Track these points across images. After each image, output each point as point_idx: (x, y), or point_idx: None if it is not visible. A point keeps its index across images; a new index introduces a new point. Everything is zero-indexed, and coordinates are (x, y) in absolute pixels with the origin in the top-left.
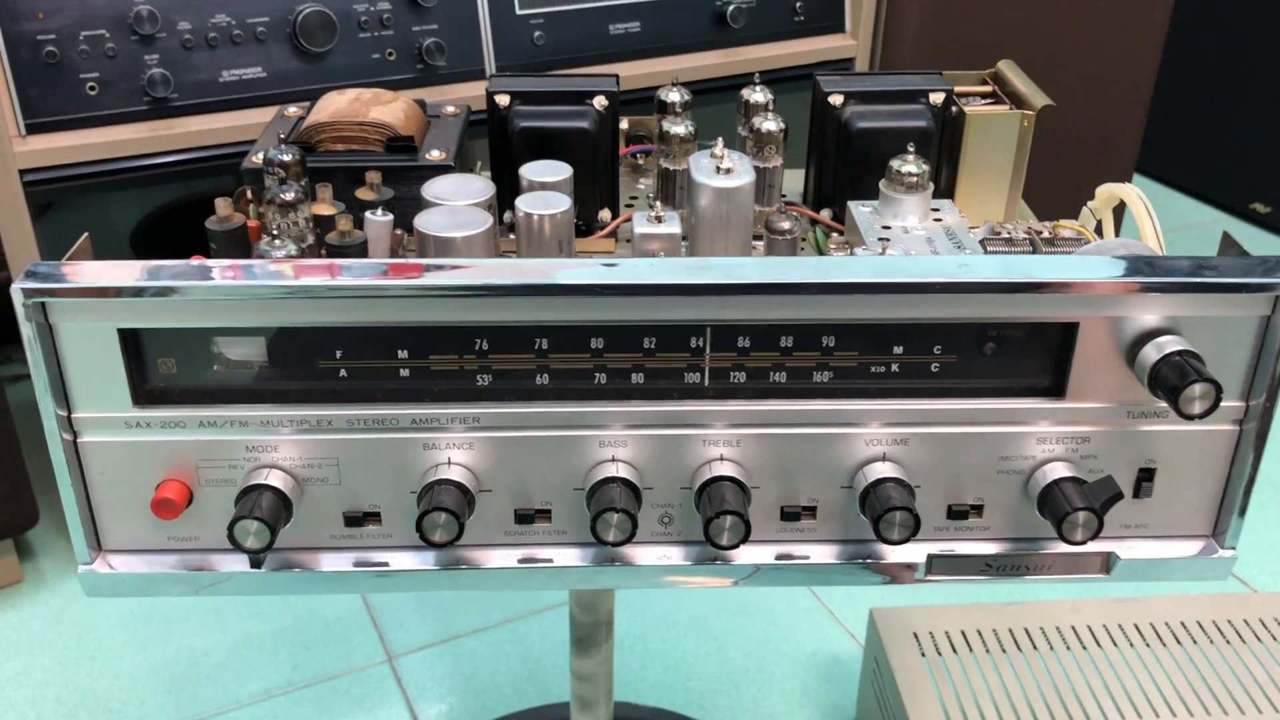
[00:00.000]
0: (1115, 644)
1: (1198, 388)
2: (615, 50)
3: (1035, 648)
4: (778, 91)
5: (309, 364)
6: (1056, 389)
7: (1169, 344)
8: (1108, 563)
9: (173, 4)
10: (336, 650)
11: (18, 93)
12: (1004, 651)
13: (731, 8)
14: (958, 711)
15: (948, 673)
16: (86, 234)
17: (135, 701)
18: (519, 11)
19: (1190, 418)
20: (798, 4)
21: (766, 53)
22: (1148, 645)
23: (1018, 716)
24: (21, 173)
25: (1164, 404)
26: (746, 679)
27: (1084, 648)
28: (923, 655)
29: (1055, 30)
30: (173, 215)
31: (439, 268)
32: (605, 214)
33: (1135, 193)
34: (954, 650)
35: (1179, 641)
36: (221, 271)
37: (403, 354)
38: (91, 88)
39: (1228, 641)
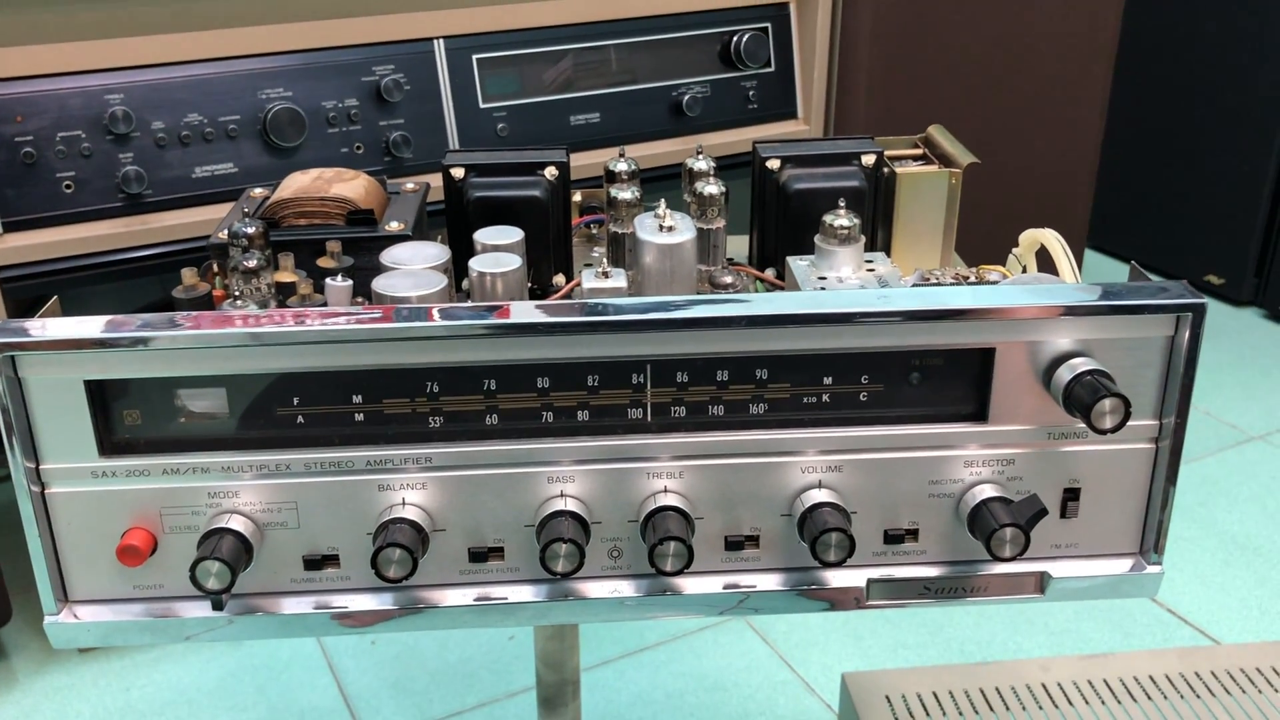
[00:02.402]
0: (1086, 701)
1: (1107, 402)
2: (576, 140)
3: (1007, 707)
4: (735, 175)
5: (268, 411)
6: (979, 413)
7: (1081, 365)
8: (1041, 582)
9: (146, 104)
10: None
11: None
12: (976, 712)
13: (687, 97)
14: None
15: None
16: (55, 297)
17: None
18: (482, 105)
19: (1103, 432)
20: (751, 92)
21: (722, 139)
22: (1119, 701)
23: None
24: None
25: (1082, 424)
26: None
27: (1055, 705)
28: (894, 718)
29: (1001, 109)
30: (149, 308)
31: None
32: (559, 278)
33: (1053, 235)
34: (926, 712)
35: (1149, 696)
36: (183, 322)
37: (357, 398)
38: (68, 186)
39: (1197, 695)
